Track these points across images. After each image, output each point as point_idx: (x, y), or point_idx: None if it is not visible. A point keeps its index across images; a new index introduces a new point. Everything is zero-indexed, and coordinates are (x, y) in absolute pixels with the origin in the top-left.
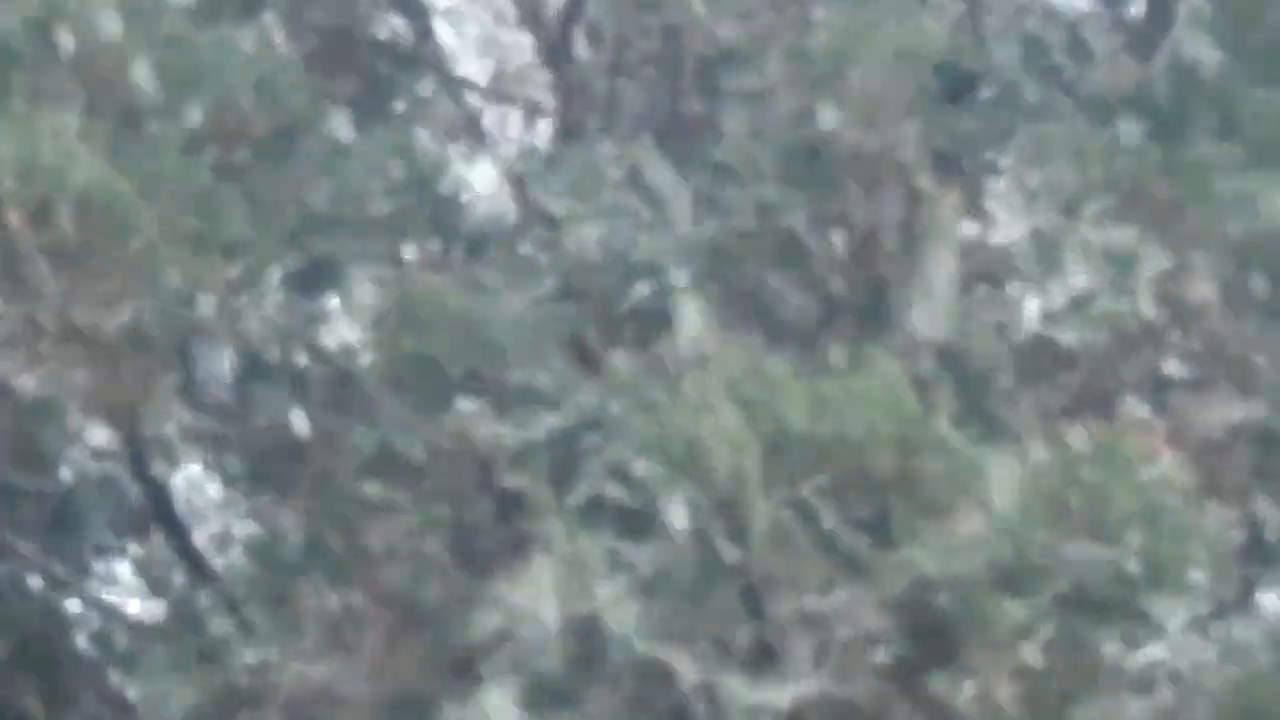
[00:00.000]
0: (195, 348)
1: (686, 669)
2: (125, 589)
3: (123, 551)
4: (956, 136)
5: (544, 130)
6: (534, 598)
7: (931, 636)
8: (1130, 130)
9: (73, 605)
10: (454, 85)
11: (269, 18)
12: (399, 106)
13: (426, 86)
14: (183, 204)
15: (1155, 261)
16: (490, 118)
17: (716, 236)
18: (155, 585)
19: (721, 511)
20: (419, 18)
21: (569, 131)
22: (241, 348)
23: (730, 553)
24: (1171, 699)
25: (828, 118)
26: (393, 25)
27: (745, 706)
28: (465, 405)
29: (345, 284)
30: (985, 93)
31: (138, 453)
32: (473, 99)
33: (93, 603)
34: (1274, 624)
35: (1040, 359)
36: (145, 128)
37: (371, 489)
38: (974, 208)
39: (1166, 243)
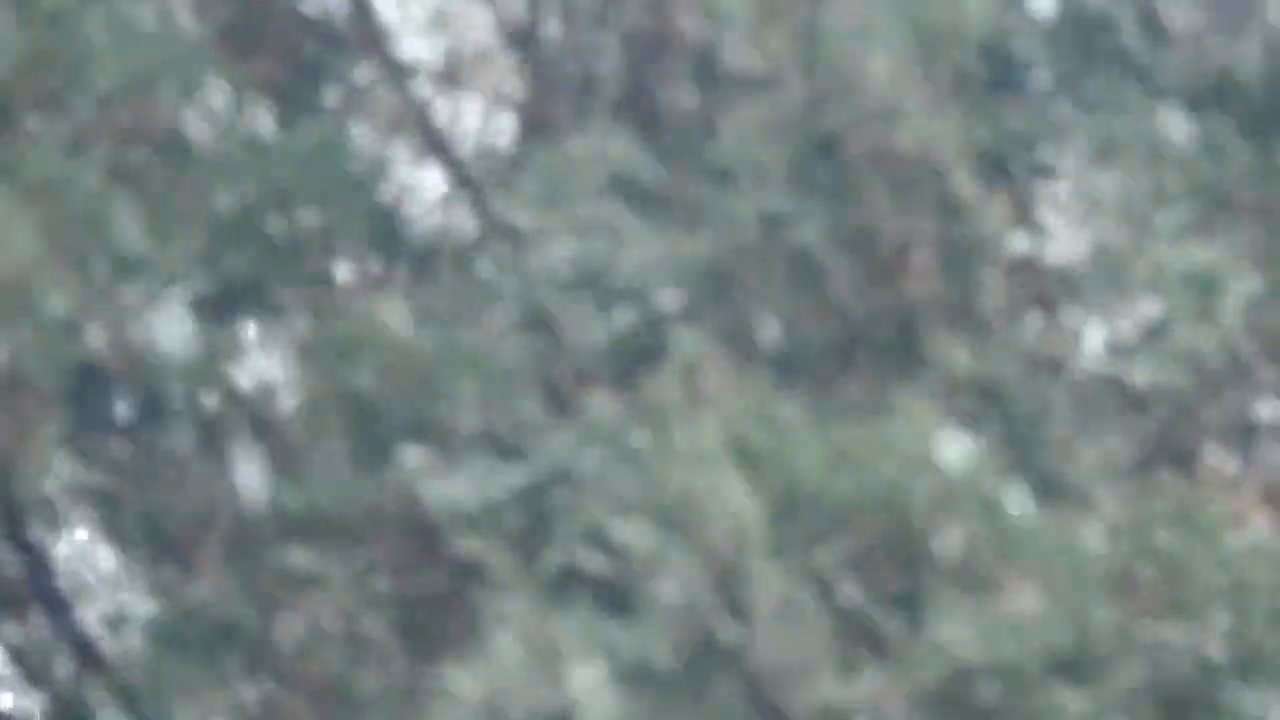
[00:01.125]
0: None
1: None
2: None
3: None
4: (1004, 133)
5: (507, 125)
6: (494, 687)
7: None
8: (1216, 126)
9: None
10: (397, 70)
11: None
12: (330, 96)
13: (364, 72)
14: (68, 214)
15: (1243, 284)
16: (442, 110)
17: (714, 253)
18: (34, 674)
19: (720, 584)
20: None
21: (536, 127)
22: (139, 387)
23: (730, 633)
24: None
25: (847, 110)
26: None
27: None
28: (410, 457)
29: (265, 310)
30: (1038, 81)
31: (13, 515)
32: (420, 87)
33: None
34: None
35: (1105, 401)
36: (21, 123)
37: (297, 558)
38: (1025, 219)
39: (1257, 261)
